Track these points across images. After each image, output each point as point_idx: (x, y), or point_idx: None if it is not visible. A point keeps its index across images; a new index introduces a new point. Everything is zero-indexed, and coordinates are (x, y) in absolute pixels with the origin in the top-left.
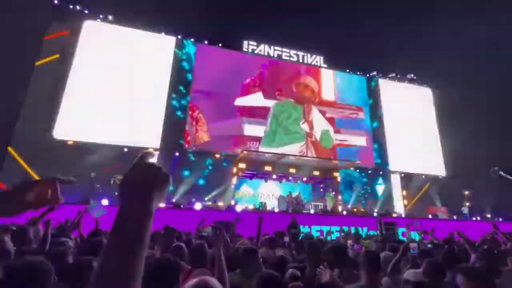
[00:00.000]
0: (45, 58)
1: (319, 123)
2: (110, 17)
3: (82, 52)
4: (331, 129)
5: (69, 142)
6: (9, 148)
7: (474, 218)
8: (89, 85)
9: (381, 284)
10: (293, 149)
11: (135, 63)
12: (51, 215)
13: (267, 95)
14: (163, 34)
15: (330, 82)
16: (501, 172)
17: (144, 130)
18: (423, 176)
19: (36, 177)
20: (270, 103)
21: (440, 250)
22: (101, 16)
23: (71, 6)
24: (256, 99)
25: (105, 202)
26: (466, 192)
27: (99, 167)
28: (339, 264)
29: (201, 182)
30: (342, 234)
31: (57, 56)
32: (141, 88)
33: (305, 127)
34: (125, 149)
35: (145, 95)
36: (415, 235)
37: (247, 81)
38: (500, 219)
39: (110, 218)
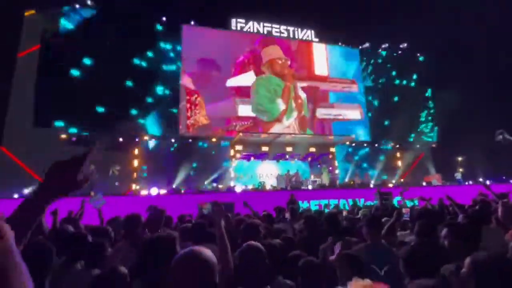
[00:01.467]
0: (26, 50)
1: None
2: (89, 2)
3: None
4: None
5: (62, 136)
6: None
7: (467, 183)
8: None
9: (381, 243)
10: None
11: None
12: (57, 205)
13: (259, 73)
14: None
15: (322, 57)
16: (506, 135)
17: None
18: (418, 146)
19: (29, 171)
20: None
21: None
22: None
23: None
24: (248, 78)
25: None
26: (459, 158)
27: (95, 159)
28: (333, 232)
29: (199, 166)
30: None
31: (38, 46)
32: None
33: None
34: (120, 139)
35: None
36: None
37: (240, 58)
38: (491, 181)
39: (110, 208)
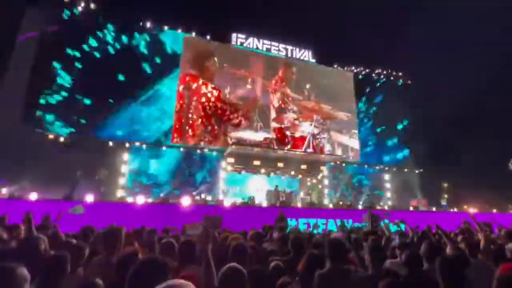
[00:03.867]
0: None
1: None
2: (92, 6)
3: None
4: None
5: (50, 136)
6: None
7: (451, 210)
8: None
9: (383, 270)
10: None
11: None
12: (33, 209)
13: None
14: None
15: (315, 77)
16: None
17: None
18: (406, 170)
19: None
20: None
21: (418, 242)
22: (82, 5)
23: None
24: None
25: (90, 198)
26: (445, 185)
27: (84, 162)
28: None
29: (189, 177)
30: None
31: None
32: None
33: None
34: (110, 143)
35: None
36: (395, 227)
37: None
38: (475, 210)
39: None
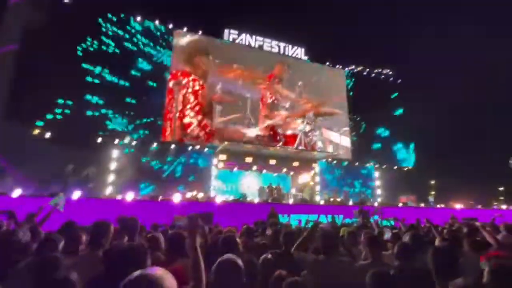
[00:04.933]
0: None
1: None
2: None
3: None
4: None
5: (36, 131)
6: None
7: (438, 206)
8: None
9: (382, 261)
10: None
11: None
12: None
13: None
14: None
15: (307, 75)
16: None
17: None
18: (395, 167)
19: None
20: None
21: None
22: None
23: None
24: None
25: (77, 194)
26: (432, 182)
27: (71, 159)
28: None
29: (181, 174)
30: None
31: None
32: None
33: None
34: (99, 140)
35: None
36: (385, 222)
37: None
38: (461, 206)
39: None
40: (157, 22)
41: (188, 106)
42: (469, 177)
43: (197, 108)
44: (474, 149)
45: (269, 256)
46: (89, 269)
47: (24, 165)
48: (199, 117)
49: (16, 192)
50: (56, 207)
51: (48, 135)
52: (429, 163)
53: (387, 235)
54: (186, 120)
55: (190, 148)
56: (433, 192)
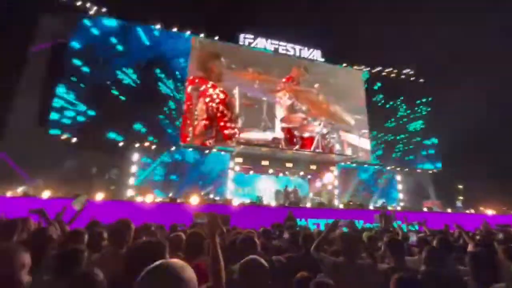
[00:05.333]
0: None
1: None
2: (104, 9)
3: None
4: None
5: (63, 137)
6: None
7: (467, 211)
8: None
9: (405, 264)
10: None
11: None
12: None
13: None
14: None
15: (325, 77)
16: None
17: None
18: (418, 171)
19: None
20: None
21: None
22: (95, 8)
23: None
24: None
25: (100, 196)
26: (460, 186)
27: (95, 162)
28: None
29: (197, 176)
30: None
31: (50, 44)
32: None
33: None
34: (120, 144)
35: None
36: (408, 227)
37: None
38: (493, 212)
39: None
40: (175, 29)
41: (199, 110)
42: (501, 181)
43: (210, 113)
44: (506, 149)
45: (286, 257)
46: (112, 265)
47: (52, 168)
48: (211, 123)
49: (45, 194)
50: (79, 207)
51: (74, 139)
52: (456, 166)
53: (412, 238)
54: (200, 124)
55: (207, 151)
56: (461, 197)
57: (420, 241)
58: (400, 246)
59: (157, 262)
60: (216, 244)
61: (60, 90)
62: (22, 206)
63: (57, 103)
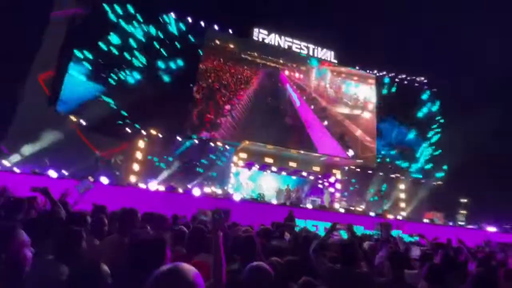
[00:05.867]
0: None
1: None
2: None
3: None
4: None
5: (73, 119)
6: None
7: (470, 226)
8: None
9: (404, 279)
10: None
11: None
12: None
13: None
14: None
15: (336, 78)
16: None
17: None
18: (423, 181)
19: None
20: None
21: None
22: None
23: None
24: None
25: (104, 180)
26: (464, 200)
27: (101, 146)
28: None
29: (201, 168)
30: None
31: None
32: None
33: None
34: (129, 130)
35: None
36: (407, 238)
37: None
38: (494, 229)
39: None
40: (189, 19)
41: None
42: (507, 198)
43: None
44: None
45: (286, 261)
46: (114, 253)
47: (60, 151)
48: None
49: (52, 173)
50: (82, 190)
51: (83, 122)
52: (460, 179)
53: (415, 252)
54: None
55: (211, 144)
56: (464, 211)
57: (424, 256)
58: (401, 260)
59: (169, 266)
60: (219, 242)
61: (74, 68)
62: (27, 183)
63: (68, 82)
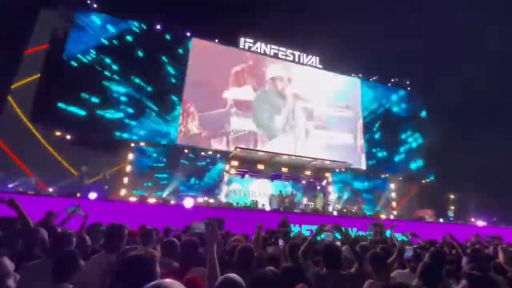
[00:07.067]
0: (34, 47)
1: (302, 120)
2: (95, 5)
3: (73, 41)
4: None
5: (57, 133)
6: None
7: (458, 222)
8: (80, 75)
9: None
10: (284, 142)
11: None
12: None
13: (258, 88)
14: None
15: (323, 81)
16: None
17: (136, 124)
18: (412, 180)
19: (20, 164)
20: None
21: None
22: (94, 5)
23: None
24: (246, 92)
25: (93, 195)
26: (452, 196)
27: (89, 160)
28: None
29: (192, 178)
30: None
31: (46, 45)
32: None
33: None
34: (116, 141)
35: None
36: (400, 236)
37: (236, 69)
38: (484, 223)
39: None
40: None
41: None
42: (493, 192)
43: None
44: (498, 161)
45: (283, 268)
46: (103, 271)
47: (44, 165)
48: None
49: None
50: (73, 213)
51: (68, 137)
52: (448, 176)
53: (408, 253)
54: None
55: (202, 153)
56: (452, 207)
57: (416, 255)
58: (382, 261)
59: (154, 283)
60: (214, 255)
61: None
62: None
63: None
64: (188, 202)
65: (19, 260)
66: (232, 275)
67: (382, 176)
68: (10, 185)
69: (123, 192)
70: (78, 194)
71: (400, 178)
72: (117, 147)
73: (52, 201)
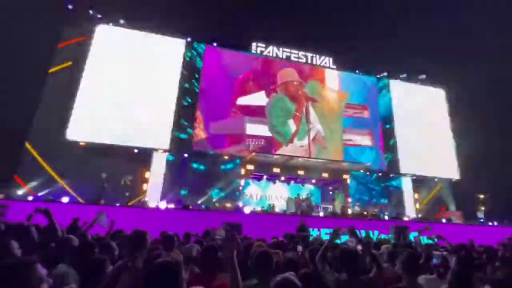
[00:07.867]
0: (58, 65)
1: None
2: (121, 21)
3: (95, 56)
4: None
5: (81, 143)
6: (27, 144)
7: (490, 223)
8: (102, 89)
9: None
10: (299, 146)
11: (146, 66)
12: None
13: (270, 93)
14: (171, 37)
15: (335, 82)
16: None
17: (154, 132)
18: (436, 180)
19: (53, 173)
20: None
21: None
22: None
23: (85, 11)
24: (259, 98)
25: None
26: (481, 196)
27: (110, 168)
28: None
29: (209, 183)
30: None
31: (69, 63)
32: (152, 91)
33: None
34: (135, 150)
35: (156, 98)
36: (425, 240)
37: (242, 75)
38: None
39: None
40: (189, 39)
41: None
42: None
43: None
44: None
45: (302, 274)
46: (130, 279)
47: (69, 173)
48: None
49: (64, 199)
50: (99, 222)
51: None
52: (477, 174)
53: (436, 260)
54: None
55: (218, 158)
56: (482, 208)
57: (443, 261)
58: (415, 264)
59: None
60: (235, 263)
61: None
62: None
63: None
64: (205, 208)
65: (48, 266)
66: (287, 275)
67: (402, 176)
68: (40, 194)
69: (142, 198)
70: (102, 201)
71: (422, 178)
72: (137, 154)
73: (78, 208)
